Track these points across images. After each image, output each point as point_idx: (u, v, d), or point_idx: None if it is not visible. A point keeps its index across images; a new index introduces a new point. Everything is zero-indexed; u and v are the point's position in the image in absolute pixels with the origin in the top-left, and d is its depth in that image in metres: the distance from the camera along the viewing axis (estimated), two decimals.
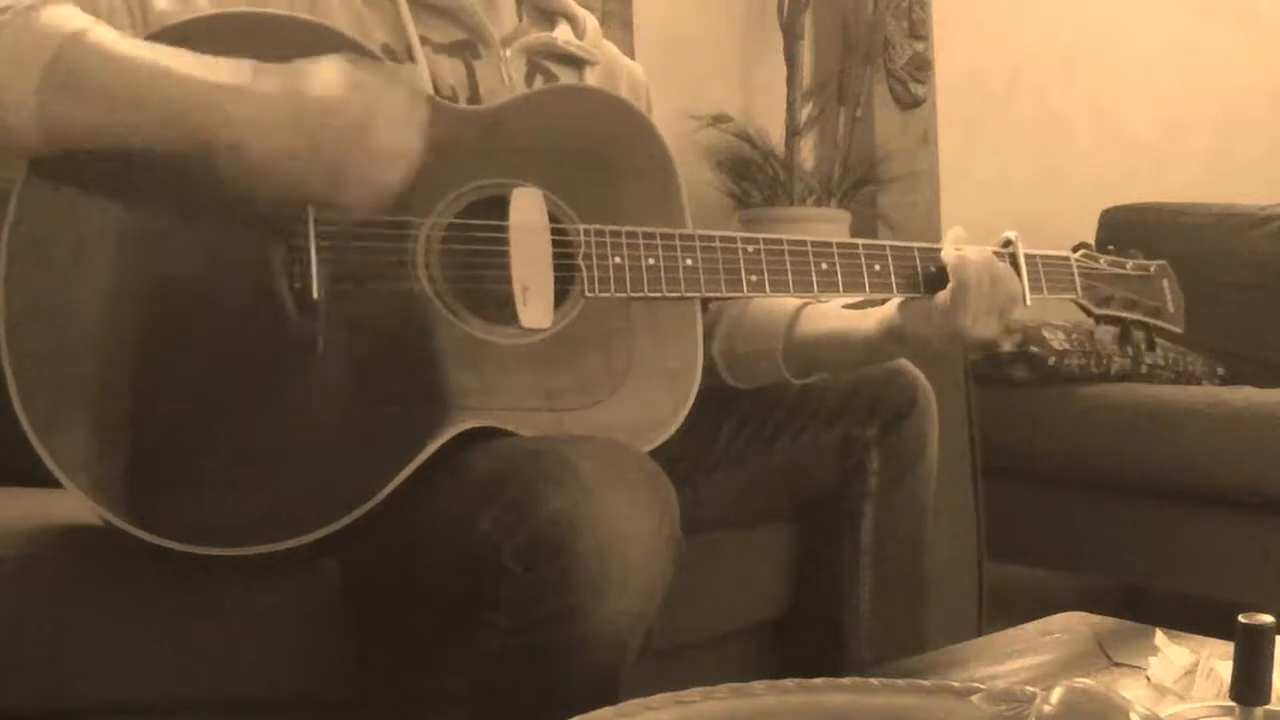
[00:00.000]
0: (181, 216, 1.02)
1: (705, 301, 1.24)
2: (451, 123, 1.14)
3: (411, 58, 1.18)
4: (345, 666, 1.11)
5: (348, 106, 0.97)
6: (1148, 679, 1.01)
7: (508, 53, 1.26)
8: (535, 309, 1.11)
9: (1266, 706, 0.77)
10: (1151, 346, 1.41)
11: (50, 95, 0.94)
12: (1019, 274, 1.28)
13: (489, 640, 0.98)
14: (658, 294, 1.15)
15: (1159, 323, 1.41)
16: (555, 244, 1.12)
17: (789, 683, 0.84)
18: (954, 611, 1.68)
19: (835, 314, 1.34)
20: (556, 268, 1.12)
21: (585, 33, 1.35)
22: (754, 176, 2.81)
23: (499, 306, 1.11)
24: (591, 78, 1.33)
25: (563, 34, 1.32)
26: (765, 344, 1.35)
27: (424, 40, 1.20)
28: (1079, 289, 1.35)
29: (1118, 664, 1.08)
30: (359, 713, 1.14)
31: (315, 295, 1.01)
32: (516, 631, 0.96)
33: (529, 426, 1.09)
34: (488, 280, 1.10)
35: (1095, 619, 1.21)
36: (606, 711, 0.79)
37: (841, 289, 1.22)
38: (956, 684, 0.84)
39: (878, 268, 1.24)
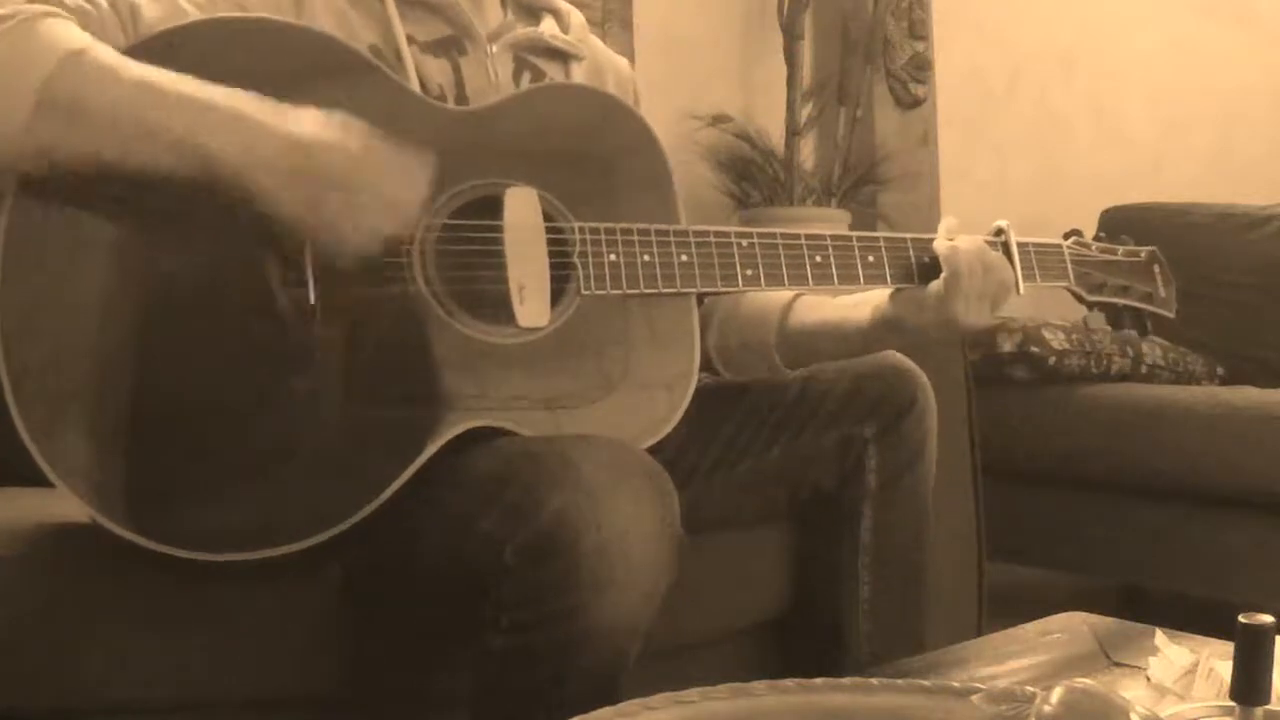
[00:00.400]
0: (177, 226, 1.02)
1: (700, 296, 1.24)
2: (444, 123, 1.14)
3: (399, 58, 1.18)
4: (345, 666, 1.11)
5: (339, 150, 0.98)
6: (1148, 679, 1.01)
7: (494, 48, 1.26)
8: (532, 308, 1.11)
9: (1266, 706, 0.77)
10: (1145, 332, 1.41)
11: (44, 111, 0.94)
12: (1012, 262, 1.29)
13: (490, 640, 0.98)
14: (654, 290, 1.15)
15: (1151, 308, 1.42)
16: (550, 242, 1.13)
17: (789, 683, 0.84)
18: (954, 611, 1.68)
19: (828, 304, 1.35)
20: (552, 266, 1.12)
21: (571, 27, 1.35)
22: (754, 176, 2.82)
23: (496, 306, 1.11)
24: (578, 72, 1.33)
25: (548, 29, 1.32)
26: (759, 336, 1.36)
27: (410, 39, 1.20)
28: (1072, 276, 1.36)
29: (1118, 664, 1.07)
30: (359, 713, 1.14)
31: (312, 300, 1.02)
32: (517, 631, 0.96)
33: (527, 426, 1.09)
34: (484, 280, 1.10)
35: (1095, 619, 1.21)
36: (606, 711, 0.79)
37: (836, 281, 1.23)
38: (956, 684, 0.84)
39: (871, 259, 1.25)
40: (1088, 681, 0.75)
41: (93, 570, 1.07)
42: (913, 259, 1.26)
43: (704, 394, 1.22)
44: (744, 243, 1.20)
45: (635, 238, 1.15)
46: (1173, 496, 2.16)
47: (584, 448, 1.00)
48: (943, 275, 1.24)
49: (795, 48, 2.84)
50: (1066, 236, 1.39)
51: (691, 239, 1.17)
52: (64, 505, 1.01)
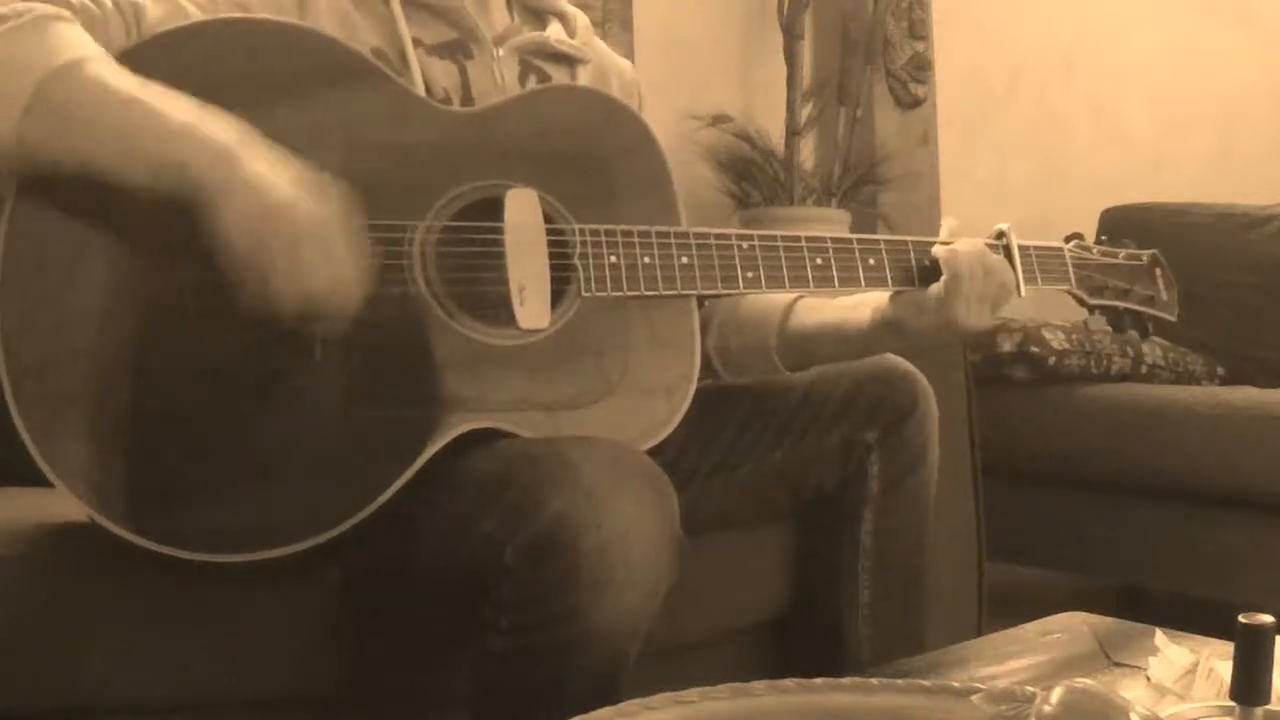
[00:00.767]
0: (172, 231, 1.02)
1: (700, 298, 1.24)
2: (444, 125, 1.14)
3: (404, 60, 1.18)
4: (345, 667, 1.11)
5: (301, 219, 0.96)
6: (1148, 679, 1.01)
7: (500, 52, 1.26)
8: (532, 310, 1.11)
9: (1266, 706, 0.77)
10: (1146, 334, 1.42)
11: (33, 113, 0.95)
12: (1013, 265, 1.30)
13: (490, 640, 0.98)
14: (654, 292, 1.15)
15: (1153, 311, 1.42)
16: (551, 244, 1.13)
17: (789, 683, 0.84)
18: (954, 611, 1.68)
19: (829, 306, 1.35)
20: (553, 268, 1.12)
21: (576, 31, 1.35)
22: (754, 176, 2.82)
23: (496, 308, 1.11)
24: (584, 76, 1.33)
25: (554, 32, 1.32)
26: (759, 337, 1.36)
27: (416, 42, 1.21)
28: (1073, 280, 1.36)
29: (1118, 664, 1.07)
30: (359, 713, 1.14)
31: None
32: (518, 631, 0.96)
33: (527, 427, 1.09)
34: (484, 282, 1.10)
35: (1095, 619, 1.21)
36: (606, 711, 0.79)
37: (837, 284, 1.23)
38: (956, 684, 0.84)
39: (872, 262, 1.25)
40: (1088, 681, 0.75)
41: (93, 570, 1.07)
42: (913, 261, 1.26)
43: (705, 396, 1.22)
44: (744, 245, 1.20)
45: (636, 239, 1.15)
46: (1173, 496, 2.16)
47: (584, 449, 1.00)
48: (943, 278, 1.24)
49: (795, 48, 2.84)
50: (1068, 240, 1.39)
51: (692, 241, 1.17)
52: (64, 505, 1.01)
